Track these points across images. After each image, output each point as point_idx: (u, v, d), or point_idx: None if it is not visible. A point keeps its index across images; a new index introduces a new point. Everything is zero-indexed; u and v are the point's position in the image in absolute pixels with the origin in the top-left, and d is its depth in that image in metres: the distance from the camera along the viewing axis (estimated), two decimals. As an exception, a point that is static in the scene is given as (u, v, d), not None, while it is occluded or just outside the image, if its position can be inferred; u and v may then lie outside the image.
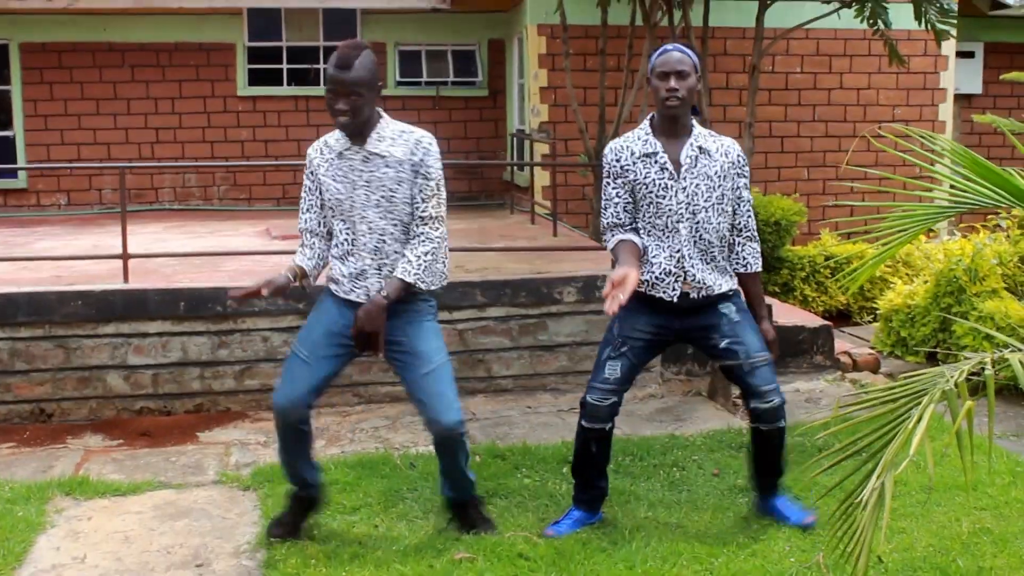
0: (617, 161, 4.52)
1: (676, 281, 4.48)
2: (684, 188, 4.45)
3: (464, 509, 4.68)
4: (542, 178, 10.90)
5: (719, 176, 4.48)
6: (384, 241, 4.31)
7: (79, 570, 4.37)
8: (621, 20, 9.27)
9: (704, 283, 4.49)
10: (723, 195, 4.50)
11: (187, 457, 5.89)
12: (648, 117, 4.59)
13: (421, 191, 4.29)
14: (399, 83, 12.76)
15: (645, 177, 4.46)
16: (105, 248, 8.26)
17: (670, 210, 4.45)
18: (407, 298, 4.30)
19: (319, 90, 12.57)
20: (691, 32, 8.18)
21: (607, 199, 4.56)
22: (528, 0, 10.99)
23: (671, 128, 4.49)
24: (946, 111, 11.92)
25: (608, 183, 4.56)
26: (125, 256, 6.94)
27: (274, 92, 12.72)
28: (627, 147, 4.52)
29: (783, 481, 4.82)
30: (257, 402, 6.72)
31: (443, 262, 4.38)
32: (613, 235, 4.54)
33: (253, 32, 12.62)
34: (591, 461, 4.69)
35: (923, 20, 8.05)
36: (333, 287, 4.44)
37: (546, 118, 11.02)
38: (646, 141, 4.50)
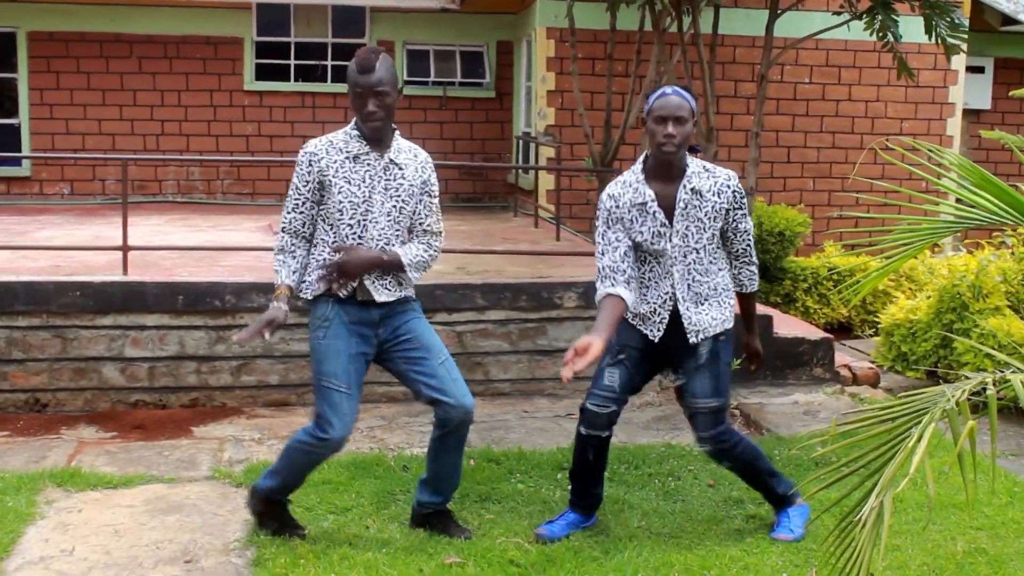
0: (617, 208, 4.48)
1: (662, 322, 4.52)
2: (677, 232, 4.45)
3: (439, 518, 4.67)
4: (546, 182, 10.87)
5: (710, 217, 4.46)
6: (385, 250, 4.38)
7: (67, 562, 4.33)
8: (630, 25, 9.24)
9: (699, 325, 4.51)
10: (714, 235, 4.50)
11: (180, 452, 5.85)
12: (642, 158, 4.55)
13: (427, 208, 4.51)
14: (406, 82, 12.72)
15: (641, 226, 4.46)
16: (106, 239, 8.23)
17: (665, 255, 4.47)
18: (402, 299, 4.46)
19: (326, 86, 12.59)
20: (700, 39, 8.14)
21: (605, 244, 4.48)
22: (538, 3, 10.97)
23: (665, 172, 4.45)
24: (954, 126, 11.88)
25: (606, 229, 4.50)
26: (125, 248, 6.91)
27: (281, 87, 12.70)
28: (622, 195, 4.49)
29: (782, 496, 4.79)
30: (253, 398, 6.70)
31: (420, 274, 4.54)
32: (605, 285, 4.43)
33: (261, 27, 12.61)
34: (588, 468, 4.69)
35: (933, 34, 8.01)
36: (339, 290, 4.38)
37: (552, 121, 11.00)
38: (637, 190, 4.46)
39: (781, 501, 4.77)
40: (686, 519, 4.86)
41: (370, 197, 4.34)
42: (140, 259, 7.19)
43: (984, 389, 2.81)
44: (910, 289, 9.23)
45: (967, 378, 2.92)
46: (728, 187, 4.49)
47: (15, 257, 7.47)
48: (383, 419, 6.48)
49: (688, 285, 4.49)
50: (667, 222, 4.43)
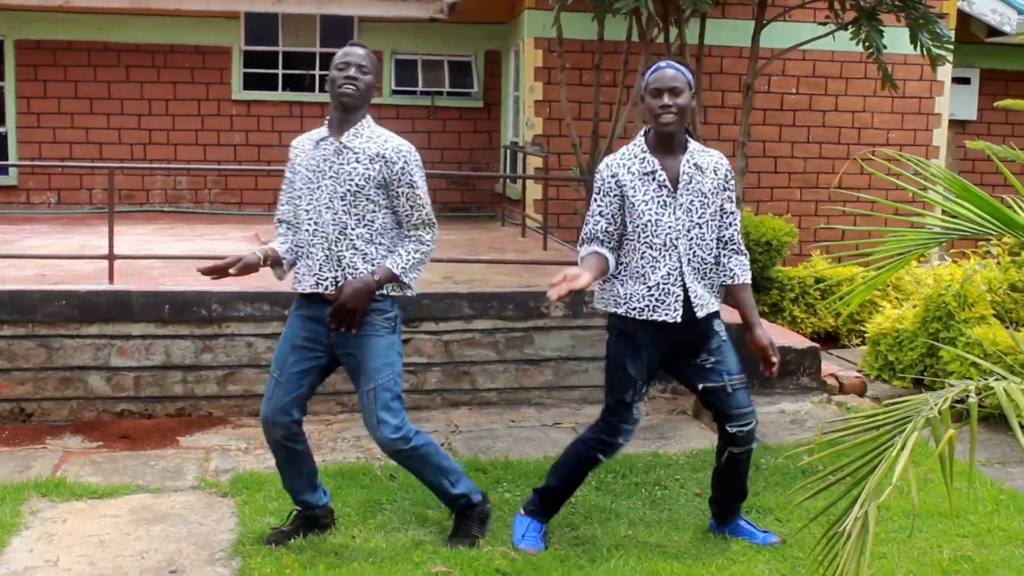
0: (613, 178, 4.47)
1: (677, 300, 4.45)
2: (682, 205, 4.43)
3: (459, 519, 4.70)
4: (534, 191, 10.88)
5: (712, 193, 4.48)
6: (344, 234, 4.36)
7: (51, 573, 4.32)
8: (617, 36, 9.25)
9: (702, 301, 4.49)
10: (715, 212, 4.50)
11: (166, 461, 5.84)
12: (643, 132, 4.55)
13: (409, 199, 4.40)
14: (394, 92, 12.73)
15: (644, 195, 4.43)
16: (92, 248, 8.22)
17: (669, 227, 4.43)
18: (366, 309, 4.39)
19: (314, 96, 12.58)
20: (687, 50, 8.17)
21: (592, 213, 4.52)
22: (526, 13, 10.99)
23: (667, 144, 4.46)
24: (940, 136, 11.93)
25: (596, 198, 4.51)
26: (111, 257, 6.90)
27: (269, 97, 12.69)
28: (624, 165, 4.47)
29: (742, 504, 4.82)
30: (239, 408, 6.68)
31: (421, 269, 4.48)
32: (588, 247, 4.53)
33: (250, 36, 12.59)
34: (576, 486, 4.78)
35: (918, 45, 8.04)
36: (296, 287, 4.50)
37: (540, 131, 11.01)
38: (643, 159, 4.46)
39: (738, 511, 4.79)
40: (673, 528, 4.87)
41: (321, 182, 4.37)
42: (126, 268, 7.17)
43: (968, 397, 2.82)
44: (896, 299, 9.26)
45: (951, 386, 2.93)
46: (722, 165, 4.56)
47: (1, 266, 7.44)
48: (370, 428, 6.46)
49: (689, 260, 4.46)
50: (672, 191, 4.43)
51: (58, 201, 12.51)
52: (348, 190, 4.34)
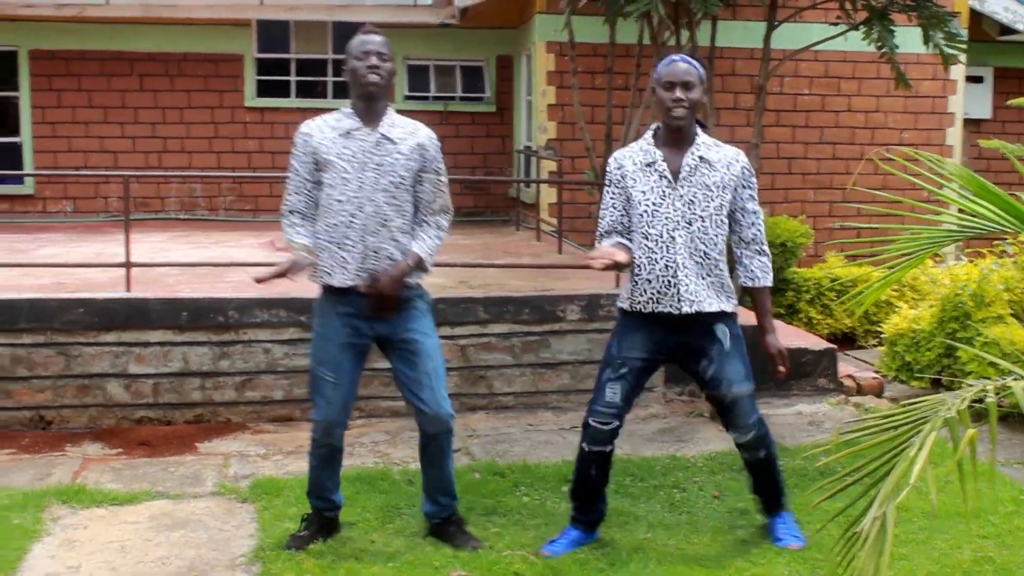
0: (619, 169, 4.52)
1: (676, 294, 4.43)
2: (681, 196, 4.42)
3: (446, 527, 4.69)
4: (548, 195, 10.89)
5: (719, 187, 4.44)
6: (384, 225, 4.38)
7: (73, 580, 4.34)
8: (629, 39, 9.26)
9: (696, 297, 4.44)
10: (721, 206, 4.45)
11: (185, 468, 5.86)
12: (652, 128, 4.57)
13: (435, 186, 4.50)
14: (407, 97, 12.76)
15: (643, 185, 4.44)
16: (108, 256, 8.25)
17: (667, 218, 4.41)
18: (404, 293, 4.43)
19: (327, 102, 12.61)
20: (698, 52, 8.16)
21: (605, 206, 4.56)
22: (537, 17, 11.00)
23: (675, 139, 4.47)
24: (954, 136, 11.89)
25: (608, 191, 4.56)
26: (128, 264, 6.93)
27: (282, 104, 12.74)
28: (629, 156, 4.52)
29: (785, 500, 4.79)
30: (258, 414, 6.70)
31: (436, 253, 4.59)
32: (608, 239, 4.53)
33: (262, 44, 12.65)
34: (591, 484, 4.66)
35: (930, 44, 8.02)
36: (327, 280, 4.44)
37: (553, 135, 11.02)
38: (647, 151, 4.49)
39: (778, 506, 4.77)
40: (692, 531, 4.86)
41: (363, 174, 4.35)
42: (143, 276, 7.20)
43: (986, 397, 2.81)
44: (913, 299, 9.23)
45: (969, 386, 2.93)
46: (737, 161, 4.50)
47: (19, 275, 7.48)
48: (387, 434, 6.48)
49: (691, 254, 4.42)
50: (672, 182, 4.42)
51: (74, 209, 12.58)
52: (392, 181, 4.36)
